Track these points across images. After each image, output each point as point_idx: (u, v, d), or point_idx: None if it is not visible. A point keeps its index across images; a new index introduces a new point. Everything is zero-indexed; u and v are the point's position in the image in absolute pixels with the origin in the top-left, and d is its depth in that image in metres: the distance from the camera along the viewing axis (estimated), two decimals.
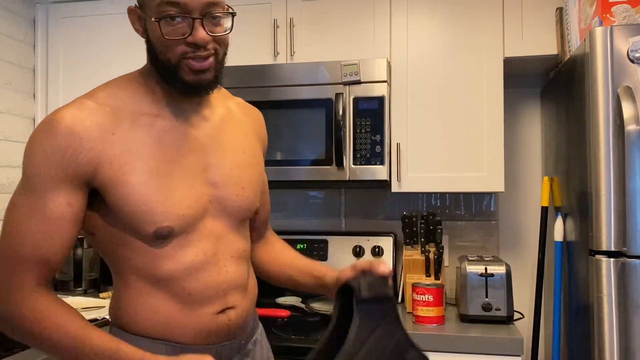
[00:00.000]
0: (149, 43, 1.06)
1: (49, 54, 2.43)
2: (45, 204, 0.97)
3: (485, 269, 1.96)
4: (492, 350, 1.76)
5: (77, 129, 0.98)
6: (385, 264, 1.10)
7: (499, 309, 1.93)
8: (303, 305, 2.15)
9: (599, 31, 1.57)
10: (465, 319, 1.95)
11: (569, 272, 1.89)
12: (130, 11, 1.07)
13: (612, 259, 1.54)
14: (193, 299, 1.07)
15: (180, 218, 1.03)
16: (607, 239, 1.54)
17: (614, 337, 1.53)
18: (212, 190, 1.09)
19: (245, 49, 2.17)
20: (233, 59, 2.26)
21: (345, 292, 1.13)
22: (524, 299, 2.37)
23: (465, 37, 2.10)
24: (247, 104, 1.28)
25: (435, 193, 2.44)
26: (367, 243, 2.35)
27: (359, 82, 2.05)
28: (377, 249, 2.32)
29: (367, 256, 2.34)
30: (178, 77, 1.03)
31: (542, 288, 2.12)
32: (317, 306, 2.07)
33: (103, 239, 1.07)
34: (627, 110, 1.50)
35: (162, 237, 1.03)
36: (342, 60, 2.07)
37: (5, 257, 0.98)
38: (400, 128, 2.13)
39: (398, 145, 2.12)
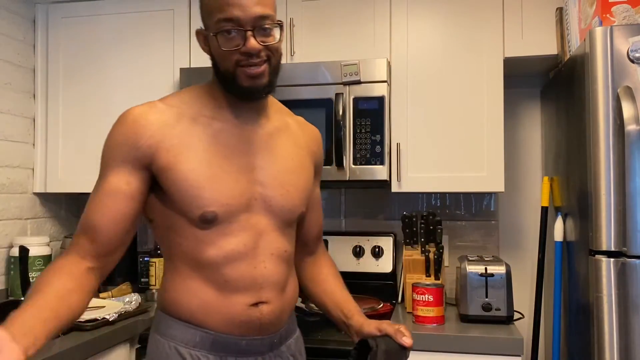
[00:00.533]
0: (212, 58, 1.18)
1: (49, 54, 2.43)
2: (107, 180, 1.13)
3: (485, 269, 1.96)
4: (492, 350, 1.76)
5: (142, 120, 1.13)
6: (409, 337, 1.19)
7: (499, 309, 1.93)
8: (303, 305, 2.15)
9: (599, 31, 1.57)
10: (465, 319, 1.95)
11: (569, 272, 1.89)
12: (198, 33, 1.20)
13: (612, 259, 1.54)
14: (229, 286, 1.15)
15: (224, 206, 1.13)
16: (607, 239, 1.54)
17: (614, 337, 1.53)
18: (258, 188, 1.19)
19: None
20: None
21: (363, 347, 1.18)
22: (524, 299, 2.38)
23: (465, 37, 2.10)
24: (307, 122, 1.39)
25: (435, 193, 2.44)
26: (367, 243, 2.35)
27: (359, 82, 2.05)
28: (377, 249, 2.33)
29: (367, 256, 2.34)
30: (236, 84, 1.14)
31: (542, 288, 2.12)
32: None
33: (159, 224, 1.19)
34: (627, 110, 1.50)
35: (207, 221, 1.13)
36: (342, 60, 2.07)
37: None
38: (400, 128, 2.13)
39: (398, 145, 2.12)
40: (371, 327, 1.24)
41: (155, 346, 1.19)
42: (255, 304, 1.17)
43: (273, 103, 1.29)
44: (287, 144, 1.26)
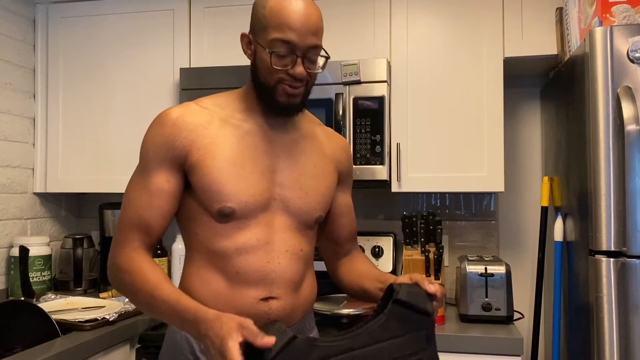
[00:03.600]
0: (253, 65, 1.24)
1: (49, 54, 2.43)
2: (149, 180, 1.21)
3: (485, 269, 1.96)
4: (492, 350, 1.76)
5: (178, 122, 1.21)
6: (439, 286, 1.16)
7: (499, 309, 1.93)
8: None
9: (599, 31, 1.57)
10: (465, 319, 1.95)
11: (569, 272, 1.89)
12: (244, 36, 1.25)
13: (612, 259, 1.54)
14: (240, 279, 1.20)
15: (242, 203, 1.19)
16: (607, 239, 1.54)
17: (613, 337, 1.53)
18: (277, 189, 1.25)
19: None
20: (232, 59, 2.27)
21: (388, 291, 1.15)
22: (524, 299, 2.38)
23: (465, 37, 2.10)
24: (336, 132, 1.45)
25: (435, 193, 2.44)
26: (367, 243, 2.35)
27: (359, 82, 2.05)
28: (377, 249, 2.32)
29: (367, 256, 2.33)
30: (273, 97, 1.22)
31: (542, 288, 2.12)
32: (318, 306, 2.07)
33: (183, 214, 1.26)
34: (627, 110, 1.50)
35: (225, 215, 1.20)
36: (342, 60, 2.07)
37: (121, 222, 1.22)
38: (400, 128, 2.13)
39: (398, 145, 2.12)
40: (404, 277, 1.22)
41: (169, 335, 1.27)
42: (265, 299, 1.21)
43: (305, 114, 1.36)
44: (312, 151, 1.32)
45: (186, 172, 1.22)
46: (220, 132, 1.22)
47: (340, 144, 1.43)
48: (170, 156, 1.20)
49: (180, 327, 1.11)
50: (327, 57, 1.24)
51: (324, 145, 1.37)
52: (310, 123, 1.38)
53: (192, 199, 1.23)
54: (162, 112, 1.24)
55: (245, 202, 1.20)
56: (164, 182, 1.21)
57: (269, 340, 0.97)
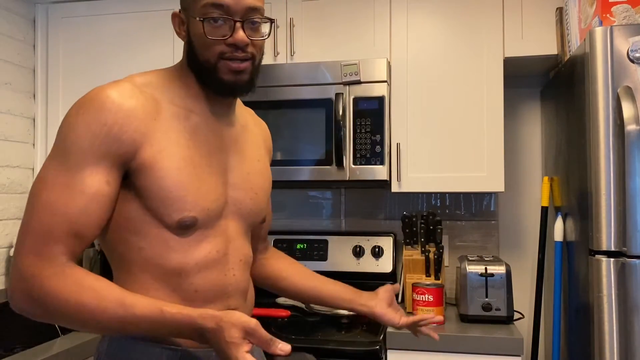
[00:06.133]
0: (189, 44, 1.08)
1: (49, 54, 2.43)
2: (82, 179, 0.96)
3: (485, 269, 1.96)
4: (492, 350, 1.76)
5: (125, 107, 0.98)
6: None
7: (499, 309, 1.93)
8: (303, 305, 2.16)
9: (599, 31, 1.57)
10: (465, 319, 1.95)
11: (569, 272, 1.89)
12: (174, 15, 1.10)
13: (612, 259, 1.54)
14: (198, 297, 1.06)
15: (204, 211, 1.04)
16: (607, 239, 1.54)
17: (614, 337, 1.53)
18: (230, 191, 1.11)
19: None
20: None
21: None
22: (524, 299, 2.38)
23: (465, 37, 2.10)
24: (256, 115, 1.32)
25: (435, 193, 2.45)
26: (367, 243, 2.35)
27: (359, 82, 2.05)
28: (377, 249, 2.32)
29: (367, 256, 2.33)
30: (216, 77, 1.05)
31: (542, 288, 2.12)
32: (317, 306, 2.07)
33: (115, 224, 1.04)
34: (627, 110, 1.50)
35: (185, 227, 1.03)
36: (342, 60, 2.07)
37: (34, 232, 0.94)
38: (400, 128, 2.13)
39: (398, 145, 2.12)
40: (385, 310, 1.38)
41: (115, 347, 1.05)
42: None
43: (237, 100, 1.21)
44: (252, 144, 1.20)
45: (132, 172, 1.00)
46: (171, 125, 1.03)
47: (266, 129, 1.32)
48: (114, 151, 0.97)
49: (176, 336, 0.98)
50: (272, 21, 1.09)
51: (257, 134, 1.24)
52: (242, 110, 1.23)
53: (136, 205, 1.01)
54: (97, 94, 0.98)
55: (207, 209, 1.04)
56: (104, 184, 0.96)
57: (284, 347, 0.88)
